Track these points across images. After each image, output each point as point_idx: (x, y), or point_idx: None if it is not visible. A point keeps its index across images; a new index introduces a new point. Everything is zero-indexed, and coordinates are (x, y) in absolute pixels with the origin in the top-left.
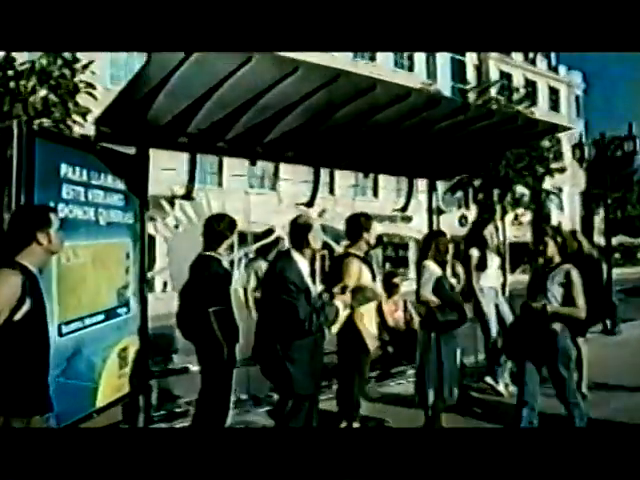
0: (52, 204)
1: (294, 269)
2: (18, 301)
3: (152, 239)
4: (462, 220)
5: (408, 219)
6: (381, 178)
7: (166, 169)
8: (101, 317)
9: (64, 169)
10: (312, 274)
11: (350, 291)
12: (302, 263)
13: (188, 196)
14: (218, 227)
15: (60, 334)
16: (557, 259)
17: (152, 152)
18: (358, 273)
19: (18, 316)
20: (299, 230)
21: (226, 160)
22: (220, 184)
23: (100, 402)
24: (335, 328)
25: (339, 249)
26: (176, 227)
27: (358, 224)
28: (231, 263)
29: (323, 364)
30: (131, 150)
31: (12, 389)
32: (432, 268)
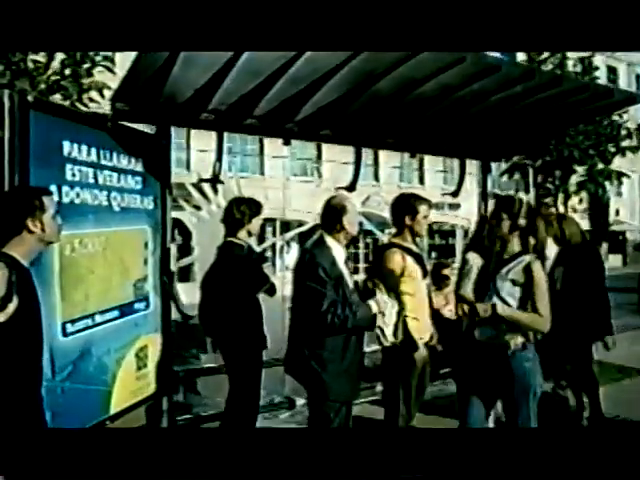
0: (54, 187)
1: (325, 255)
2: (2, 299)
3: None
4: None
5: (456, 206)
6: (427, 163)
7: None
8: (114, 314)
9: (68, 147)
10: (351, 263)
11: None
12: (336, 249)
13: (216, 179)
14: (238, 211)
15: (65, 334)
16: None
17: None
18: (401, 268)
19: (2, 317)
20: (332, 212)
21: (267, 144)
22: (262, 172)
23: (115, 407)
24: (389, 333)
25: (384, 238)
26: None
27: (407, 207)
28: (271, 250)
29: (362, 366)
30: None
31: None
32: (473, 260)
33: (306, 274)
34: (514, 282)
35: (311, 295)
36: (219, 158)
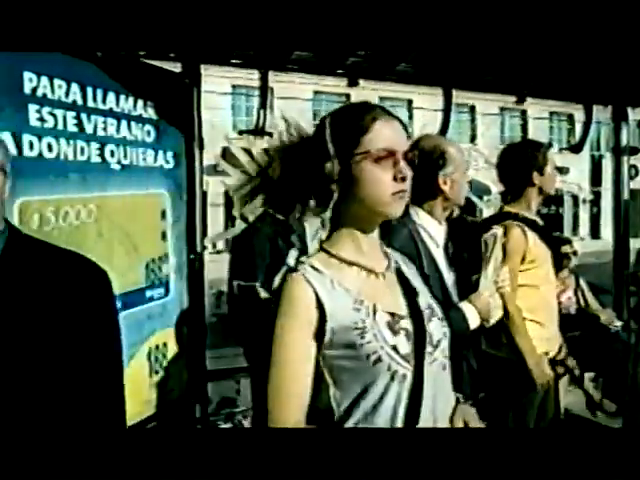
0: (6, 135)
1: (410, 236)
2: None
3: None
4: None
5: (565, 170)
6: (530, 113)
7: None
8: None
9: (31, 81)
10: (451, 249)
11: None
12: (431, 226)
13: (261, 131)
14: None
15: None
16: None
17: None
18: (522, 251)
19: None
20: (425, 164)
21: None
22: None
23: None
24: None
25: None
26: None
27: (531, 159)
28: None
29: None
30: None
31: None
32: None
33: None
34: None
35: None
36: (264, 104)
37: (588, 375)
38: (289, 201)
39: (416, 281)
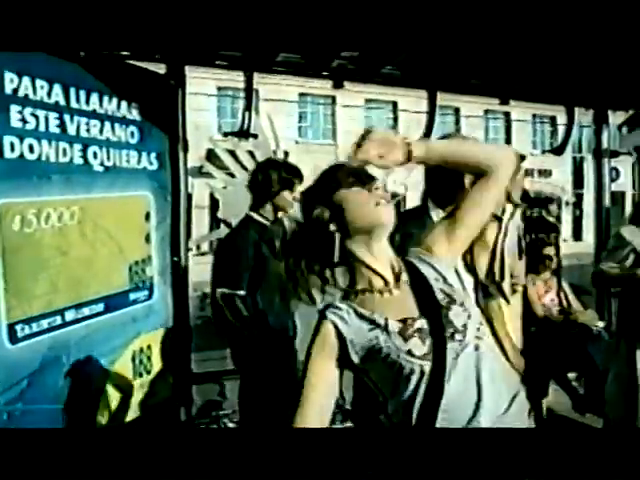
0: None
1: None
2: None
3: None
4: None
5: (547, 173)
6: (514, 115)
7: None
8: (98, 307)
9: (12, 82)
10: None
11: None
12: None
13: (245, 133)
14: (263, 178)
15: (12, 339)
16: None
17: None
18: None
19: None
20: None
21: (339, 112)
22: (334, 137)
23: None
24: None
25: None
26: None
27: None
28: None
29: None
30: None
31: None
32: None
33: None
34: None
35: None
36: (249, 106)
37: (571, 376)
38: None
39: (432, 272)
